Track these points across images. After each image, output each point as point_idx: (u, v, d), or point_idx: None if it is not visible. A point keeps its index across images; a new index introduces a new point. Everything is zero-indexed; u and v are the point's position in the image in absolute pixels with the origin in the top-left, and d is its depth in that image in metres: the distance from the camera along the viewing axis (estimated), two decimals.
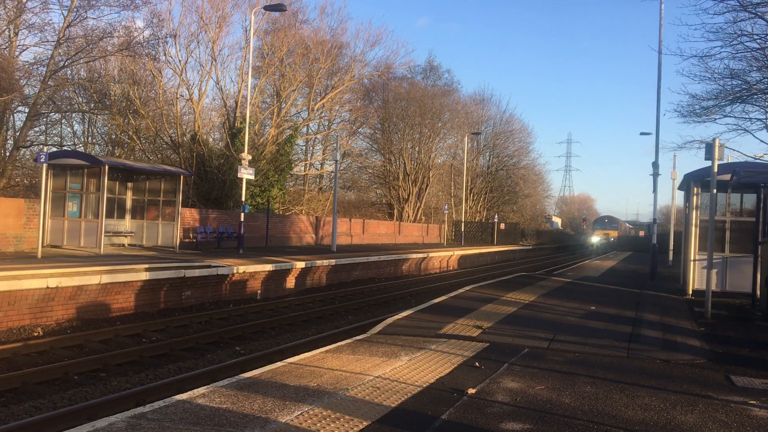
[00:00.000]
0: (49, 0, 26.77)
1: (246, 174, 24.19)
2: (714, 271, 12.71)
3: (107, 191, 20.08)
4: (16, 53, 26.95)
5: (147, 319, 13.88)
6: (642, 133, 78.66)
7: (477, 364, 7.40)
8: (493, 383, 6.55)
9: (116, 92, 32.95)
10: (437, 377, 6.69)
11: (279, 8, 24.70)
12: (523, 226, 66.26)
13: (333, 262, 22.45)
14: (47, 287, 12.16)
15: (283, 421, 5.06)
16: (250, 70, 27.90)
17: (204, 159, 32.13)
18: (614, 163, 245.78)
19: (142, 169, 22.30)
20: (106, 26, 28.45)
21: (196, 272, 15.81)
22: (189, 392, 5.89)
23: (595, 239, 75.49)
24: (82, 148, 34.60)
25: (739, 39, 17.91)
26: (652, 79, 78.06)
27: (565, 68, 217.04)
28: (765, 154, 24.38)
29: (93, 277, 13.14)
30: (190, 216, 25.69)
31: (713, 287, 12.51)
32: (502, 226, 57.84)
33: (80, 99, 32.83)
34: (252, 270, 17.77)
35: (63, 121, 33.72)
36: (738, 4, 17.11)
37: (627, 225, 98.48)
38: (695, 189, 15.48)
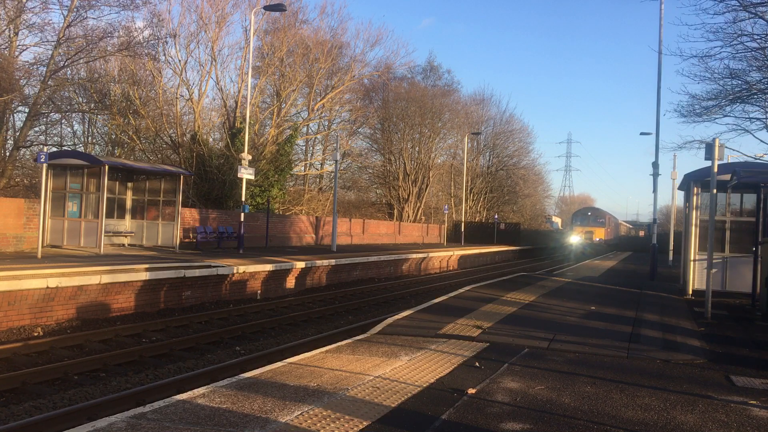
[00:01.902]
0: (49, 0, 26.81)
1: (246, 174, 24.20)
2: (714, 271, 12.70)
3: (107, 191, 20.08)
4: (16, 53, 26.97)
5: (147, 319, 13.88)
6: (642, 133, 78.25)
7: (477, 364, 7.39)
8: (493, 383, 6.55)
9: (116, 92, 32.96)
10: (437, 377, 6.69)
11: (279, 8, 24.70)
12: (523, 227, 65.62)
13: (333, 262, 22.45)
14: (47, 287, 12.16)
15: (283, 421, 5.06)
16: (250, 70, 27.90)
17: (204, 159, 32.14)
18: (614, 163, 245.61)
19: (142, 169, 22.30)
20: (106, 26, 28.51)
21: (196, 272, 15.81)
22: (189, 392, 5.89)
23: (574, 239, 52.75)
24: (82, 148, 34.61)
25: (739, 39, 17.95)
26: (652, 79, 77.70)
27: (566, 68, 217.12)
28: (765, 154, 24.38)
29: (93, 277, 13.14)
30: (190, 216, 25.69)
31: (713, 287, 12.50)
32: (502, 226, 57.78)
33: (80, 99, 32.86)
34: (252, 270, 17.77)
35: (63, 121, 33.75)
36: (738, 4, 17.14)
37: (620, 222, 74.99)
38: (695, 189, 15.48)
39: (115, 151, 34.36)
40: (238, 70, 37.38)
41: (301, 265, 20.21)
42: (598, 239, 52.98)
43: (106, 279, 13.39)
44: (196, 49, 36.06)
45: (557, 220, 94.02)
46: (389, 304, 18.73)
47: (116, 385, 9.17)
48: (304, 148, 47.02)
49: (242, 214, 24.69)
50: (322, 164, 48.38)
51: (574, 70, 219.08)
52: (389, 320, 10.45)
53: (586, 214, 57.18)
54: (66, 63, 28.04)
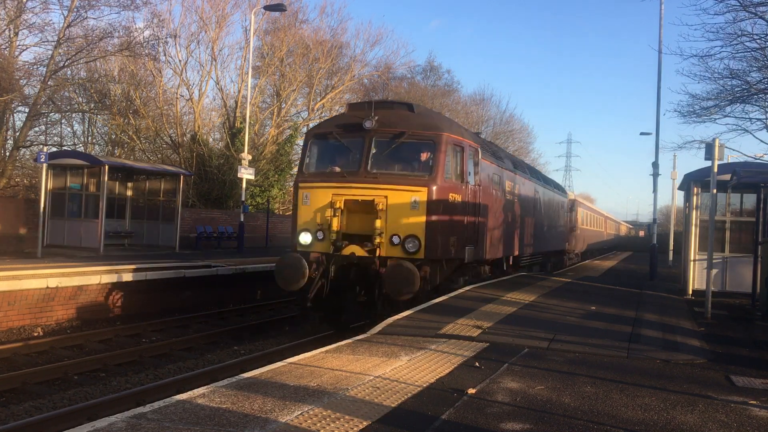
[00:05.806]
0: (49, 0, 26.81)
1: (246, 174, 24.20)
2: (714, 271, 12.70)
3: (107, 191, 20.07)
4: (16, 53, 26.96)
5: (147, 319, 13.87)
6: (642, 133, 78.45)
7: (477, 364, 7.39)
8: (493, 383, 6.55)
9: (116, 92, 32.96)
10: (437, 377, 6.69)
11: (279, 8, 24.70)
12: None
13: None
14: (47, 287, 12.16)
15: (283, 421, 5.05)
16: (250, 70, 27.92)
17: (204, 159, 32.14)
18: (614, 163, 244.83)
19: (142, 169, 22.30)
20: (106, 26, 28.47)
21: (196, 272, 15.80)
22: (189, 392, 5.88)
23: (304, 239, 11.59)
24: (82, 148, 34.59)
25: (739, 39, 17.90)
26: (653, 79, 77.36)
27: (565, 68, 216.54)
28: (765, 154, 24.36)
29: (93, 277, 13.14)
30: (190, 216, 25.68)
31: (713, 287, 12.50)
32: None
33: (80, 99, 32.85)
34: (252, 270, 17.76)
35: (63, 121, 33.74)
36: (738, 4, 17.10)
37: (581, 200, 35.82)
38: (695, 189, 15.47)
39: (115, 151, 34.35)
40: (238, 70, 37.44)
41: None
42: (411, 240, 11.64)
43: (106, 279, 13.39)
44: (197, 49, 36.10)
45: None
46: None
47: (116, 385, 9.17)
48: None
49: (242, 214, 24.70)
50: None
51: (574, 70, 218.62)
52: (389, 320, 10.43)
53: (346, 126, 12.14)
54: (66, 63, 28.03)
